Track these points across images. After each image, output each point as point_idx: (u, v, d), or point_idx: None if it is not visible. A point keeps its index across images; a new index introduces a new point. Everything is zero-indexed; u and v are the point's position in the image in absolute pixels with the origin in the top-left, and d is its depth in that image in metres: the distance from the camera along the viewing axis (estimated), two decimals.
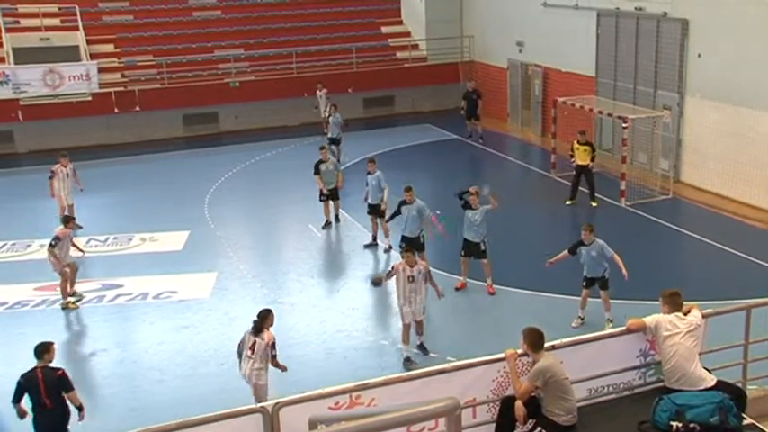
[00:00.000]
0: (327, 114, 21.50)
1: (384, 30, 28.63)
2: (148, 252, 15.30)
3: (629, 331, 6.73)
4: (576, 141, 16.98)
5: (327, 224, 16.19)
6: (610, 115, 18.23)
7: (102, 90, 23.76)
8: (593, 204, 16.86)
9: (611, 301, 11.52)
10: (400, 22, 29.16)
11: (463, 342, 11.20)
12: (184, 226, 16.54)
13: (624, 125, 16.97)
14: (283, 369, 9.10)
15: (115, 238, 16.05)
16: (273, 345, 8.98)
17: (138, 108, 23.90)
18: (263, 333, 8.94)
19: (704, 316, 6.78)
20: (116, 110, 23.76)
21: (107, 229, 16.58)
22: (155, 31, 26.21)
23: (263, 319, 9.07)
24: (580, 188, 17.22)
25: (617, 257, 11.26)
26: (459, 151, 22.58)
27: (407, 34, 28.59)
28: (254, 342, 8.91)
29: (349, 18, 28.41)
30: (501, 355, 6.32)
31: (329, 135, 20.82)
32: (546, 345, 6.32)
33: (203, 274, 14.05)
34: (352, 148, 21.97)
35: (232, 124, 25.04)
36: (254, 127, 24.55)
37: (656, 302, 6.98)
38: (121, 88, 24.22)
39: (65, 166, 16.15)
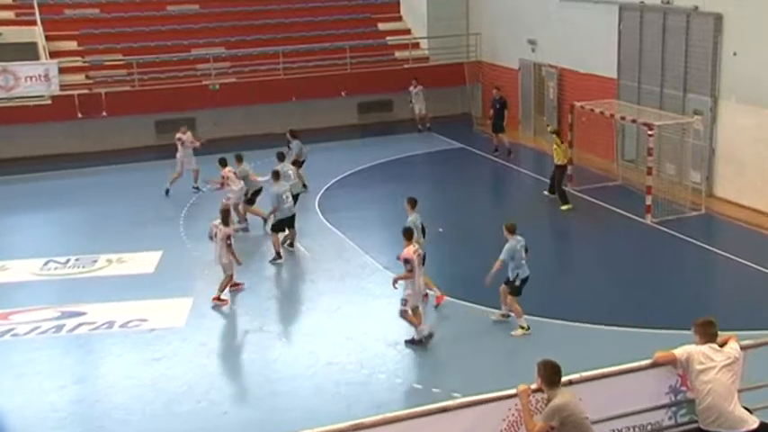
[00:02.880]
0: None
1: (381, 27, 28.76)
2: (115, 275, 15.23)
3: (656, 365, 6.68)
4: (554, 136, 18.03)
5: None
6: (634, 121, 18.27)
7: (64, 93, 23.77)
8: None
9: None
10: (399, 18, 29.30)
11: (470, 376, 11.12)
12: (157, 245, 16.50)
13: (650, 132, 17.00)
14: (238, 262, 13.69)
15: (77, 260, 15.97)
16: (228, 236, 13.36)
17: (104, 113, 23.92)
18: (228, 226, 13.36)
19: (743, 348, 6.74)
20: (79, 115, 23.77)
21: (68, 249, 16.51)
22: (124, 27, 26.29)
23: (226, 215, 13.72)
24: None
25: (496, 265, 12.00)
26: (465, 162, 22.61)
27: (407, 32, 28.71)
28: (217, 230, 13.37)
29: (342, 13, 28.56)
30: (512, 391, 6.27)
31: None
32: (563, 379, 6.27)
33: (178, 300, 13.99)
34: (345, 159, 21.99)
35: (211, 131, 25.04)
36: (236, 134, 24.54)
37: (688, 332, 6.93)
38: (86, 91, 24.25)
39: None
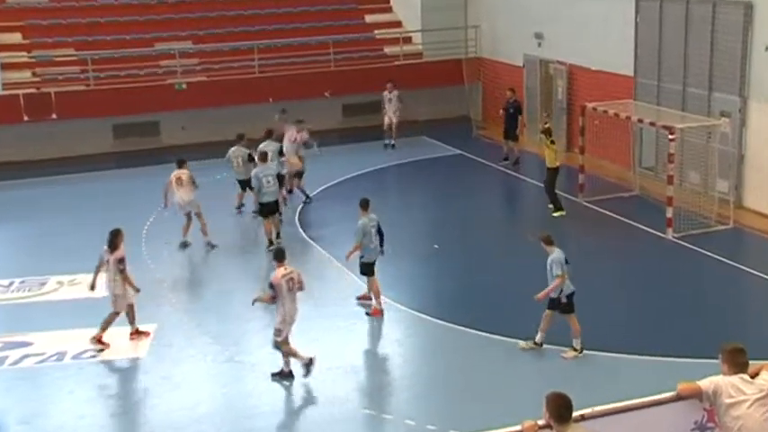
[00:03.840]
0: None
1: (369, 19, 28.89)
2: (67, 299, 15.15)
3: (680, 398, 6.68)
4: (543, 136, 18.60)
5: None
6: (652, 125, 18.37)
7: (7, 92, 23.75)
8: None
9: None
10: (389, 10, 29.46)
11: (469, 410, 11.10)
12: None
13: (671, 137, 17.09)
14: (135, 290, 13.39)
15: (23, 282, 15.88)
16: (121, 260, 13.16)
17: (54, 116, 23.88)
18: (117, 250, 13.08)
19: None
20: (26, 117, 23.70)
21: (13, 270, 16.42)
22: (76, 18, 26.29)
23: (115, 237, 13.30)
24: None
25: (557, 283, 12.11)
26: (464, 170, 22.67)
27: (398, 24, 28.85)
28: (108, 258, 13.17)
29: (325, 4, 28.67)
30: (517, 428, 6.25)
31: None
32: (574, 414, 6.26)
33: (139, 327, 13.84)
34: (328, 167, 21.99)
35: (177, 136, 25.05)
36: (206, 140, 24.55)
37: (715, 361, 6.94)
38: (33, 90, 24.21)
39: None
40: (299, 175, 20.06)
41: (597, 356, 12.36)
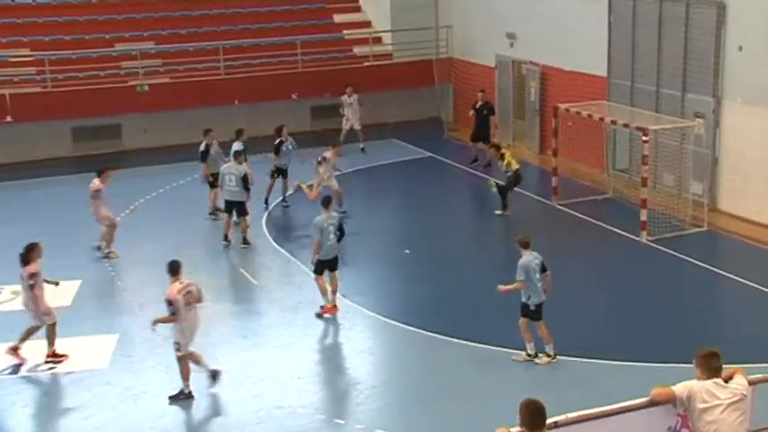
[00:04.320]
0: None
1: (337, 18, 28.90)
2: (23, 310, 14.88)
3: (654, 403, 6.75)
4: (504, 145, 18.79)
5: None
6: (626, 126, 18.53)
7: None
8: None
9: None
10: (358, 9, 29.50)
11: (443, 419, 11.14)
12: (74, 274, 16.26)
13: (645, 138, 17.25)
14: (45, 311, 12.79)
15: None
16: (31, 275, 12.67)
17: (10, 119, 23.62)
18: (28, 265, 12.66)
19: (751, 383, 6.84)
20: None
21: None
22: (32, 17, 26.07)
23: (29, 251, 12.87)
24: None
25: (518, 286, 12.29)
26: (436, 173, 22.73)
27: (367, 24, 28.89)
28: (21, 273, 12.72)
29: (292, 3, 28.65)
30: None
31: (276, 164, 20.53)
32: (548, 421, 6.30)
33: (99, 337, 13.83)
34: (297, 169, 21.95)
35: (140, 140, 24.90)
36: (170, 144, 24.43)
37: (689, 366, 7.02)
38: None
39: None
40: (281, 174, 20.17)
41: (571, 362, 12.44)
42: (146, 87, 24.89)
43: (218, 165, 18.74)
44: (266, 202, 19.95)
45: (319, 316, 14.27)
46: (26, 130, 23.72)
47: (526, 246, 12.44)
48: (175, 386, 12.39)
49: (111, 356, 13.20)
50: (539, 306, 12.34)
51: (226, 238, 17.66)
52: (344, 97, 24.49)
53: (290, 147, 19.88)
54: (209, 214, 19.23)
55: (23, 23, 25.82)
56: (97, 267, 16.79)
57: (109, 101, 24.31)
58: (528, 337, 12.43)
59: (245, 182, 17.47)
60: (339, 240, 14.44)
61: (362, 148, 24.39)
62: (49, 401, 12.07)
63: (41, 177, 22.71)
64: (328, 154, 18.98)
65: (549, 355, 12.35)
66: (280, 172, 20.13)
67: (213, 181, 18.82)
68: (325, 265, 14.32)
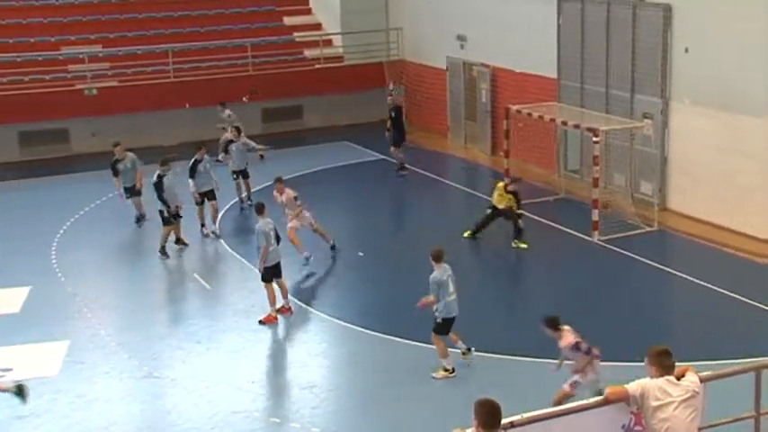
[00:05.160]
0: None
1: (288, 21, 28.83)
2: None
3: (607, 402, 6.81)
4: (501, 184, 17.44)
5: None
6: (576, 127, 18.70)
7: None
8: (523, 246, 17.06)
9: None
10: (308, 12, 29.45)
11: (397, 420, 11.15)
12: (22, 280, 16.08)
13: (595, 139, 17.44)
14: None
15: None
16: None
17: None
18: None
19: (702, 380, 6.93)
20: None
21: None
22: None
23: None
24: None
25: (431, 300, 12.01)
26: (387, 175, 22.73)
27: (318, 26, 28.86)
28: None
29: (241, 6, 28.50)
30: None
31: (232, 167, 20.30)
32: (504, 421, 6.33)
33: (49, 344, 13.65)
34: (250, 172, 21.88)
35: (88, 144, 24.56)
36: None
37: (641, 364, 7.10)
38: None
39: None
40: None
41: (525, 362, 12.51)
42: (94, 91, 24.65)
43: (208, 182, 18.17)
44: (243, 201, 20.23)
45: (262, 323, 14.13)
46: None
47: (438, 259, 12.13)
48: (126, 392, 12.28)
49: (61, 363, 13.03)
50: (447, 320, 12.08)
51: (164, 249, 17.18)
52: (222, 110, 23.36)
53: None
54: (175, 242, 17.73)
55: None
56: (46, 273, 16.54)
57: (56, 104, 24.04)
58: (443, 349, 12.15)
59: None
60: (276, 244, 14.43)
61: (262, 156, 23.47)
62: None
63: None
64: (278, 195, 16.93)
65: (446, 370, 12.13)
66: (239, 173, 20.17)
67: (201, 200, 18.18)
68: (271, 272, 14.24)
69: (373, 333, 13.66)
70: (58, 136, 24.62)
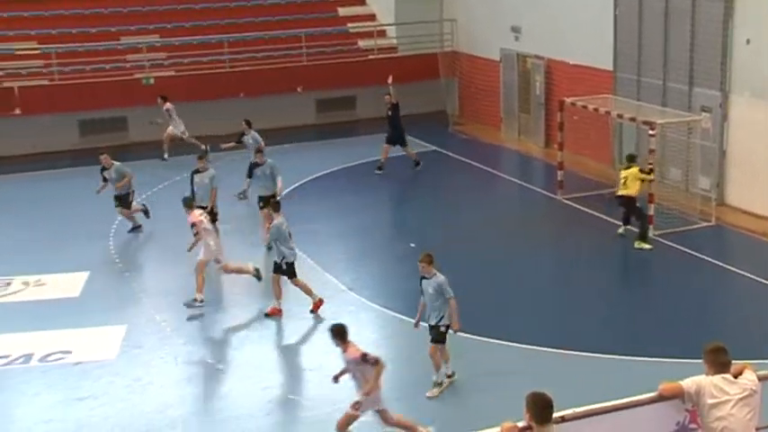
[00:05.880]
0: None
1: (342, 12, 28.86)
2: (33, 300, 15.06)
3: (661, 398, 6.75)
4: (636, 168, 16.59)
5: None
6: (632, 120, 18.50)
7: None
8: (646, 246, 16.40)
9: None
10: (363, 2, 29.43)
11: (448, 411, 11.17)
12: (82, 266, 16.35)
13: (651, 132, 17.23)
14: None
15: None
16: None
17: (18, 111, 23.67)
18: None
19: (760, 378, 6.83)
20: None
21: None
22: (39, 10, 26.05)
23: None
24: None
25: (453, 305, 11.33)
26: (439, 167, 22.71)
27: (372, 17, 28.85)
28: None
29: None
30: (496, 430, 6.27)
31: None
32: (555, 416, 6.31)
33: (107, 329, 13.87)
34: (301, 164, 22.00)
35: (145, 132, 24.89)
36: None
37: (697, 361, 7.03)
38: None
39: None
40: None
41: (580, 357, 12.43)
42: (151, 80, 24.94)
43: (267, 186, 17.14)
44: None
45: (268, 315, 14.10)
46: (34, 122, 23.78)
47: (431, 262, 11.44)
48: (181, 377, 12.46)
49: (119, 347, 13.26)
50: (448, 327, 11.54)
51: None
52: (164, 108, 23.09)
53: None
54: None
55: (30, 17, 25.83)
56: (104, 259, 16.84)
57: (115, 93, 24.39)
58: (439, 362, 11.64)
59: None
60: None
61: (165, 158, 23.40)
62: (59, 391, 12.11)
63: (49, 170, 22.75)
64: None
65: (439, 384, 11.70)
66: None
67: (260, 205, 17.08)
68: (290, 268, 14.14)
69: (424, 324, 13.67)
70: (117, 124, 25.01)
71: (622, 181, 16.68)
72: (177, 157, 22.91)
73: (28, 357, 12.98)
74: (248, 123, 20.39)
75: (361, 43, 27.84)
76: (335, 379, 10.48)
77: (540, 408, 6.27)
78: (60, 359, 12.94)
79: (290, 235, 14.12)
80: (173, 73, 25.49)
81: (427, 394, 11.51)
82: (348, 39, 27.96)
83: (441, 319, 11.36)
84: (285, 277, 14.18)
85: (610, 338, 13.00)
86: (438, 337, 11.44)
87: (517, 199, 20.58)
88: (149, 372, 12.55)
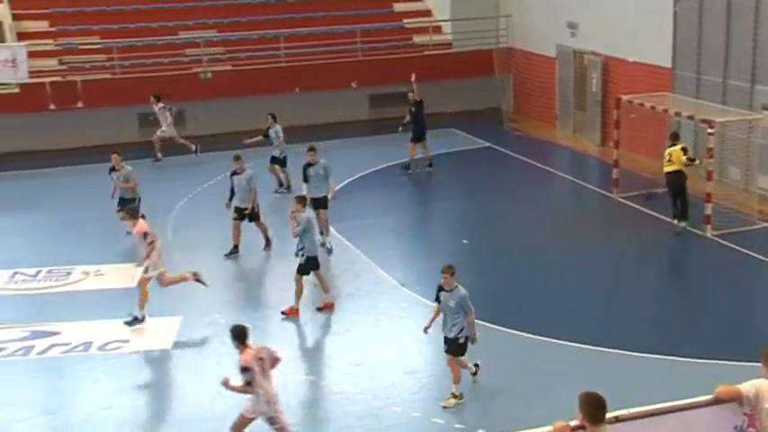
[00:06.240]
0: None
1: (397, 7, 28.87)
2: (92, 290, 15.32)
3: (718, 401, 6.66)
4: (680, 147, 16.91)
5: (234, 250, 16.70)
6: (691, 118, 18.23)
7: (34, 80, 23.97)
8: (682, 225, 16.69)
9: None
10: None
11: (498, 410, 11.11)
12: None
13: (710, 131, 16.95)
14: None
15: (49, 272, 16.06)
16: None
17: (80, 104, 24.09)
18: None
19: None
20: (52, 106, 23.97)
21: (39, 259, 16.62)
22: (101, 6, 26.52)
23: None
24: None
25: (472, 319, 11.08)
26: (493, 164, 22.62)
27: (427, 13, 28.80)
28: None
29: None
30: (548, 429, 6.26)
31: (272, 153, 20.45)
32: (608, 416, 6.26)
33: (164, 319, 14.05)
34: (355, 159, 22.06)
35: (202, 126, 25.18)
36: (231, 130, 24.69)
37: (756, 364, 6.91)
38: (59, 78, 24.46)
39: None
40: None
41: (634, 357, 12.29)
42: (209, 74, 25.19)
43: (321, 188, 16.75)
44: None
45: (285, 314, 14.04)
46: (95, 115, 24.20)
47: (453, 273, 11.07)
48: (235, 368, 12.56)
49: (174, 337, 13.44)
50: (467, 339, 11.32)
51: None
52: (155, 106, 23.18)
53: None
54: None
55: (93, 12, 26.31)
56: (163, 249, 16.98)
57: (173, 87, 24.59)
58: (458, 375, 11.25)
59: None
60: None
61: (157, 159, 23.37)
62: (117, 379, 12.31)
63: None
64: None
65: (455, 396, 11.34)
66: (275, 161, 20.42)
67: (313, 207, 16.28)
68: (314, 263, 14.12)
69: (477, 321, 13.60)
70: (175, 117, 25.28)
71: (667, 158, 16.77)
72: (208, 153, 23.16)
73: (87, 345, 13.22)
74: (273, 117, 20.58)
75: (417, 39, 27.82)
76: (223, 384, 10.03)
77: (594, 407, 6.23)
78: (118, 348, 13.15)
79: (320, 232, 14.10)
80: (229, 67, 25.74)
81: (442, 404, 11.26)
82: (403, 34, 27.96)
83: (460, 332, 11.12)
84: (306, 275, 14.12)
85: (662, 338, 12.82)
86: (457, 350, 11.22)
87: (571, 196, 20.41)
88: (204, 361, 12.69)
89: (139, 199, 17.43)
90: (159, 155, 23.19)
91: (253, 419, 9.82)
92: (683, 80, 20.43)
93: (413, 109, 21.84)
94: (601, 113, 23.45)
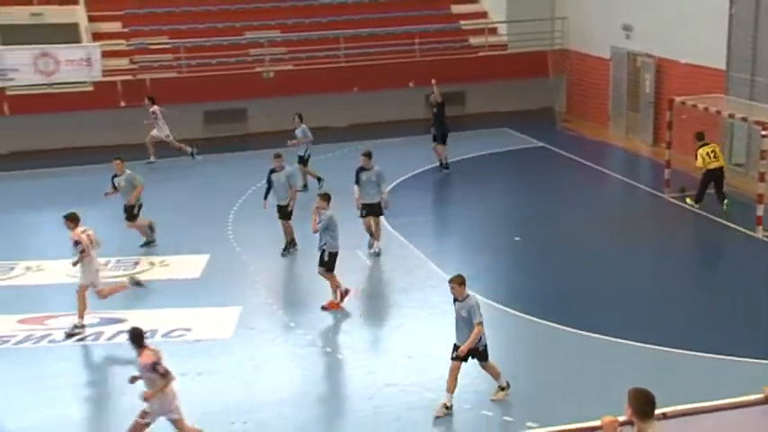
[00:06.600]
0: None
1: (455, 9, 28.78)
2: (158, 279, 15.55)
3: None
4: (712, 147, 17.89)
5: (290, 245, 16.61)
6: (744, 120, 17.89)
7: (107, 78, 24.41)
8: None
9: None
10: (475, 0, 29.25)
11: (547, 404, 11.03)
12: (203, 248, 16.80)
13: (763, 133, 16.62)
14: None
15: (118, 262, 16.37)
16: None
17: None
18: None
19: None
20: (123, 103, 24.38)
21: (108, 249, 16.76)
22: (171, 7, 26.92)
23: None
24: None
25: (477, 331, 10.72)
26: (546, 163, 22.45)
27: (484, 15, 28.67)
28: None
29: None
30: (597, 423, 6.21)
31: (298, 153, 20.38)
32: (657, 412, 6.19)
33: (224, 309, 14.22)
34: (411, 157, 22.07)
35: (264, 123, 25.41)
36: (291, 127, 24.82)
37: None
38: (130, 77, 24.90)
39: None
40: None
41: (684, 355, 12.10)
42: (271, 74, 25.40)
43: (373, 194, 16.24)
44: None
45: (325, 308, 14.03)
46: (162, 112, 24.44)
47: (464, 283, 10.88)
48: (291, 359, 12.68)
49: (234, 327, 13.57)
50: (485, 345, 11.15)
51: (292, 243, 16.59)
52: (153, 108, 22.83)
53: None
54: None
55: (163, 13, 26.70)
56: (223, 243, 17.24)
57: (237, 86, 24.94)
58: (453, 385, 10.92)
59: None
60: None
61: (192, 153, 23.25)
62: (179, 365, 12.42)
63: (174, 157, 23.39)
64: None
65: (503, 388, 11.27)
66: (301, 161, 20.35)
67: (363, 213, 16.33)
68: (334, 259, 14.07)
69: (526, 317, 13.57)
70: (238, 115, 25.62)
71: (713, 154, 17.73)
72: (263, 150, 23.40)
73: (153, 333, 13.35)
74: (300, 117, 20.56)
75: (473, 40, 27.70)
76: (132, 380, 10.11)
77: (643, 403, 6.19)
78: (181, 336, 13.35)
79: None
80: (291, 67, 25.90)
81: (491, 397, 11.20)
82: (460, 36, 27.87)
83: (479, 341, 10.93)
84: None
85: (716, 338, 12.61)
86: (480, 357, 11.07)
87: (623, 196, 20.17)
88: (261, 352, 12.82)
89: (141, 204, 17.06)
90: (153, 158, 22.85)
91: (148, 424, 9.92)
92: (737, 82, 20.05)
93: (435, 110, 21.71)
94: (653, 114, 23.12)
